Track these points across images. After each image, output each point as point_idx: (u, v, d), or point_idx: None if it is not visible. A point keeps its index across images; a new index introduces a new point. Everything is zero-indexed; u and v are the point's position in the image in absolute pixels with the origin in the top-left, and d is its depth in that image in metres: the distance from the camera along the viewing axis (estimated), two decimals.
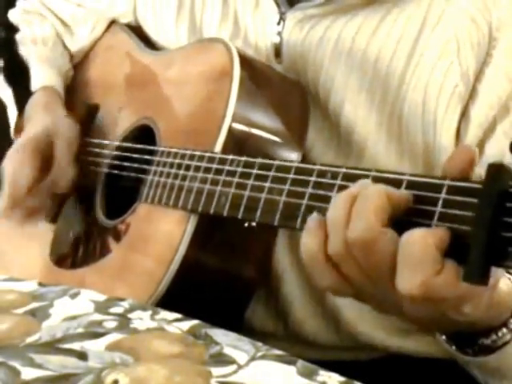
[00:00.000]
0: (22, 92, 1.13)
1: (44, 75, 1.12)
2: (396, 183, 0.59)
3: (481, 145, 0.85)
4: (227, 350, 0.61)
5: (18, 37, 1.18)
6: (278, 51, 0.92)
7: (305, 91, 0.89)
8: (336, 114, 0.88)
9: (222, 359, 0.60)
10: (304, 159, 0.88)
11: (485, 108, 0.84)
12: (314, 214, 0.62)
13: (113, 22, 1.17)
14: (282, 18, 0.92)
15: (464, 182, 0.55)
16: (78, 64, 1.18)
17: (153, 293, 0.81)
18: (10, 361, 0.57)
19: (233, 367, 0.58)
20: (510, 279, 0.67)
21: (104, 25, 1.17)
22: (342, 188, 0.63)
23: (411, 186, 0.59)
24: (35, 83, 1.11)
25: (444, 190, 0.55)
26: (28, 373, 0.56)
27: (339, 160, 0.88)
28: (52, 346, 0.61)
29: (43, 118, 1.06)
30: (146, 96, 1.00)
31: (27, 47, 1.17)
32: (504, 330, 0.66)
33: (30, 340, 0.62)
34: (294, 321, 0.93)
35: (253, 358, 0.60)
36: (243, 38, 0.95)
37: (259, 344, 0.62)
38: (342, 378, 0.57)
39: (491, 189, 0.51)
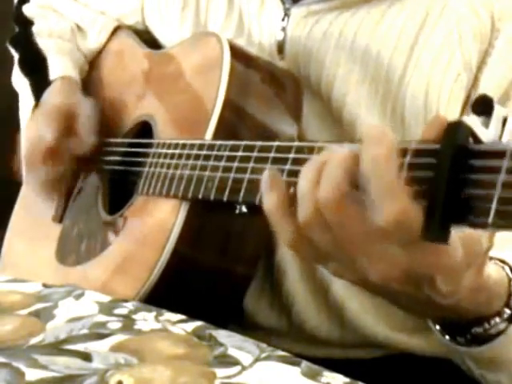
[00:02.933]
0: (38, 82, 1.13)
1: (62, 65, 1.13)
2: None
3: None
4: (231, 351, 0.61)
5: (34, 29, 1.19)
6: (281, 47, 0.93)
7: (298, 81, 0.90)
8: (338, 107, 0.89)
9: (226, 360, 0.60)
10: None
11: None
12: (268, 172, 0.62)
13: (118, 28, 1.18)
14: (286, 14, 0.93)
15: (426, 144, 0.55)
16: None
17: (146, 280, 0.81)
18: (15, 362, 0.57)
19: (237, 368, 0.58)
20: (503, 268, 0.67)
21: (110, 28, 1.17)
22: None
23: None
24: (53, 73, 1.12)
25: (409, 154, 0.55)
26: (32, 374, 0.56)
27: None
28: (56, 347, 0.61)
29: (63, 96, 1.07)
30: (146, 94, 1.02)
31: (44, 39, 1.18)
32: (497, 319, 0.65)
33: (34, 341, 0.62)
34: (297, 315, 0.93)
35: (257, 359, 0.60)
36: (247, 35, 0.96)
37: (263, 345, 0.62)
38: (347, 379, 0.57)
39: (448, 145, 0.51)
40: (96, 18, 1.18)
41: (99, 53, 1.18)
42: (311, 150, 0.65)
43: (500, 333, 0.66)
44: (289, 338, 0.93)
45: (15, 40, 1.21)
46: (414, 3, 0.87)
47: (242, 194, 0.73)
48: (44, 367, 0.57)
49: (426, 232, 0.52)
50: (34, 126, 1.04)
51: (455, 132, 0.52)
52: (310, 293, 0.92)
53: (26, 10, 1.22)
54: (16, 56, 1.19)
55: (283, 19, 0.93)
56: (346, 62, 0.88)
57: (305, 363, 0.59)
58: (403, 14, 0.87)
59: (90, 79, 1.17)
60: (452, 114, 0.85)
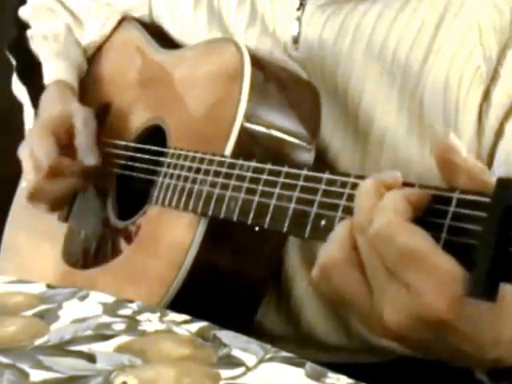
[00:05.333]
0: (36, 89, 1.12)
1: (56, 69, 1.12)
2: None
3: (501, 126, 0.84)
4: (236, 352, 0.61)
5: (28, 33, 1.18)
6: (295, 37, 0.91)
7: (317, 91, 0.88)
8: (355, 102, 0.88)
9: (230, 361, 0.60)
10: (322, 152, 0.88)
11: (506, 89, 0.84)
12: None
13: (124, 19, 1.16)
14: (301, 4, 0.91)
15: (473, 195, 0.54)
16: (89, 59, 1.18)
17: (163, 296, 0.81)
18: (19, 363, 0.57)
19: (241, 369, 0.58)
20: None
21: (115, 20, 1.16)
22: (350, 197, 0.62)
23: None
24: (48, 77, 1.11)
25: (453, 203, 0.54)
26: (36, 375, 0.56)
27: (358, 152, 0.88)
28: (61, 349, 0.61)
29: (58, 106, 1.05)
30: (157, 95, 1.00)
31: (38, 43, 1.16)
32: None
33: (38, 342, 0.62)
34: (304, 323, 0.92)
35: (261, 361, 0.60)
36: (261, 23, 0.94)
37: (268, 346, 0.62)
38: (351, 380, 0.57)
39: (498, 203, 0.51)
40: (100, 8, 1.16)
41: (104, 45, 1.16)
42: (344, 185, 0.64)
43: None
44: (295, 344, 0.92)
45: (12, 46, 1.20)
46: None
47: (268, 219, 0.72)
48: (48, 368, 0.57)
49: (472, 289, 0.51)
50: (30, 143, 1.01)
51: (507, 190, 0.51)
52: (318, 300, 0.91)
53: (22, 13, 1.21)
54: (14, 63, 1.19)
55: (299, 8, 0.91)
56: (364, 56, 0.87)
57: (309, 364, 0.59)
58: (423, 8, 0.86)
59: (93, 73, 1.16)
60: (470, 107, 0.85)
